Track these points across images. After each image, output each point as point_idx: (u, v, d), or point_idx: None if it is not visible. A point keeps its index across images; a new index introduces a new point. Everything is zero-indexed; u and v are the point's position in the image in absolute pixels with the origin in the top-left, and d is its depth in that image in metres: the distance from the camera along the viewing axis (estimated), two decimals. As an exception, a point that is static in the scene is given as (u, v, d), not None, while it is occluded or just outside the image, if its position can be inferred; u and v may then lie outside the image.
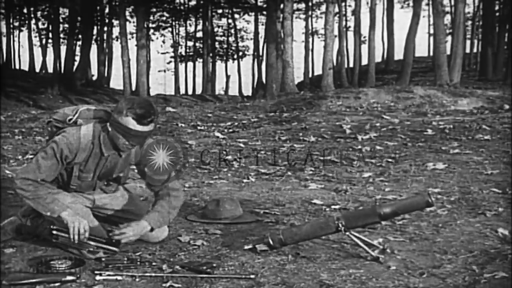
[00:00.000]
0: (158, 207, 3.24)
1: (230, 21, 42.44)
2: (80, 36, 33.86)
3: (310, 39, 38.87)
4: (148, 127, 2.93)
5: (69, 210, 3.05)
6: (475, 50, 38.49)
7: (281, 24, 24.64)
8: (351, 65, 34.76)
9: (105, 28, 38.22)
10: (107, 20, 37.85)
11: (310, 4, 38.77)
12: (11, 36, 39.02)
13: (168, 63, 43.53)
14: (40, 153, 3.07)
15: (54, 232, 2.92)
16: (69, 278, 2.80)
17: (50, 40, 34.65)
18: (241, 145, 8.12)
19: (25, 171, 3.07)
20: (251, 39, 41.99)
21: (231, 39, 43.78)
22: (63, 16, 36.11)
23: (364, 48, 32.60)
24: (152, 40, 42.11)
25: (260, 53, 36.53)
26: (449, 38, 28.62)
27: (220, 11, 41.57)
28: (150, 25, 41.03)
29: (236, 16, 41.83)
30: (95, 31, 36.25)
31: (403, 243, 3.42)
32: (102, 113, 3.18)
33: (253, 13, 39.58)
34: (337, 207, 4.40)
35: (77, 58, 33.64)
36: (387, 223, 3.76)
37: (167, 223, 3.32)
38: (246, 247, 3.32)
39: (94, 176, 3.20)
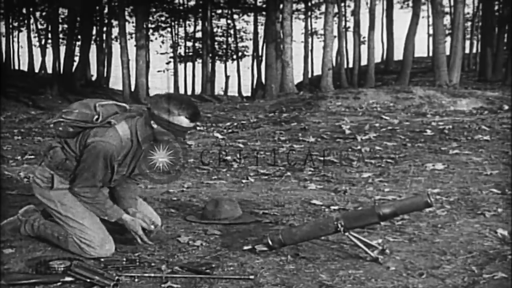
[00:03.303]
0: (135, 193, 3.49)
1: (229, 21, 42.42)
2: (79, 37, 33.81)
3: (310, 40, 38.88)
4: (197, 122, 3.22)
5: (127, 215, 3.28)
6: (474, 50, 38.51)
7: (281, 24, 24.62)
8: (350, 65, 34.76)
9: (104, 28, 38.18)
10: (106, 20, 37.81)
11: (309, 4, 38.75)
12: (10, 36, 38.99)
13: (167, 63, 43.54)
14: (88, 160, 3.15)
15: (74, 271, 2.85)
16: (67, 278, 2.79)
17: (49, 41, 34.60)
18: (241, 145, 8.12)
19: (82, 180, 3.19)
20: (250, 39, 41.98)
21: (231, 39, 43.78)
22: (62, 16, 36.09)
23: (364, 48, 32.62)
24: (151, 41, 42.06)
25: (260, 54, 36.48)
26: (448, 38, 28.63)
27: (219, 11, 41.53)
28: (149, 25, 41.00)
29: (236, 16, 41.81)
30: (94, 31, 36.21)
31: (402, 243, 3.42)
32: (115, 108, 3.30)
33: (252, 14, 39.56)
34: (336, 207, 4.40)
35: (76, 59, 33.60)
36: (386, 223, 3.76)
37: None
38: (245, 248, 3.32)
39: (128, 169, 3.32)
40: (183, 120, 3.09)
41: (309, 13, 39.50)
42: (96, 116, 3.19)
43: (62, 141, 3.28)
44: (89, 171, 3.16)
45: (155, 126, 3.14)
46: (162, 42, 43.47)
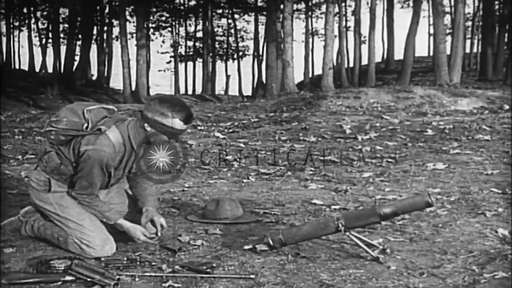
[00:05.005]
0: (151, 190, 3.50)
1: (230, 21, 42.47)
2: (80, 36, 33.85)
3: (310, 39, 38.87)
4: (190, 124, 3.27)
5: (124, 221, 3.33)
6: (475, 50, 38.51)
7: (281, 24, 24.63)
8: (351, 65, 34.77)
9: (105, 28, 38.23)
10: (107, 20, 37.86)
11: (310, 4, 38.76)
12: (11, 36, 39.08)
13: (168, 63, 43.54)
14: (84, 170, 3.15)
15: (74, 270, 2.85)
16: (68, 278, 2.80)
17: (50, 40, 34.66)
18: (241, 145, 8.12)
19: (79, 188, 3.23)
20: (251, 39, 42.00)
21: (231, 39, 43.81)
22: (63, 16, 36.13)
23: (364, 48, 32.63)
24: (152, 40, 42.12)
25: (260, 53, 36.52)
26: (449, 38, 28.61)
27: (220, 11, 41.59)
28: (150, 25, 41.03)
29: (236, 16, 41.84)
30: (95, 31, 36.27)
31: (403, 243, 3.42)
32: (104, 111, 3.30)
33: (253, 13, 39.57)
34: (337, 207, 4.40)
35: (77, 58, 33.63)
36: (387, 223, 3.76)
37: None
38: (246, 247, 3.32)
39: (124, 171, 3.35)
40: (177, 123, 3.10)
41: (310, 13, 39.53)
42: (86, 124, 3.19)
43: (55, 147, 3.28)
44: (86, 180, 3.19)
45: (148, 129, 3.15)
46: (163, 42, 43.58)
